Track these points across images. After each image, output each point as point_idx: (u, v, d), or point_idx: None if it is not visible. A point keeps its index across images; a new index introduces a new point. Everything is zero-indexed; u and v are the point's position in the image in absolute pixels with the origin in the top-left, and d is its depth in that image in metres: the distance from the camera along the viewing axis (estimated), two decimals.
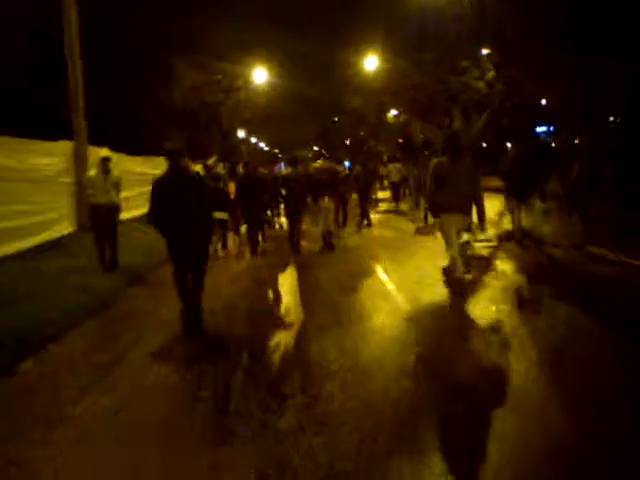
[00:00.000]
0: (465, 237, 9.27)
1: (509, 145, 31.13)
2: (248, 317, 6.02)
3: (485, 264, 8.02)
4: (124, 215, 12.42)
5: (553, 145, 24.41)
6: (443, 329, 5.25)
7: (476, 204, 6.16)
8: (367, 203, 14.00)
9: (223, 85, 22.97)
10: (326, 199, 9.40)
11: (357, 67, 29.39)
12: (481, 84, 21.68)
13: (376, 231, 12.86)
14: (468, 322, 5.39)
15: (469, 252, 8.60)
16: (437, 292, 6.53)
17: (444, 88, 22.53)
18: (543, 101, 24.67)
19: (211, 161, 12.81)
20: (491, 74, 21.13)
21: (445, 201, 6.04)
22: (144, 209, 14.77)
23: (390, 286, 7.01)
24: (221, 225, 9.56)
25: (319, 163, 10.09)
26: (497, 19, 15.90)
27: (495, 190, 15.57)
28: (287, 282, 7.80)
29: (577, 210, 9.84)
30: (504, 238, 9.60)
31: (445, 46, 21.05)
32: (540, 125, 30.38)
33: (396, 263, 8.50)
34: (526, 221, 9.47)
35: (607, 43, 11.93)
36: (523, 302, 5.92)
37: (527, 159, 9.36)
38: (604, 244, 8.29)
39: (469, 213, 6.27)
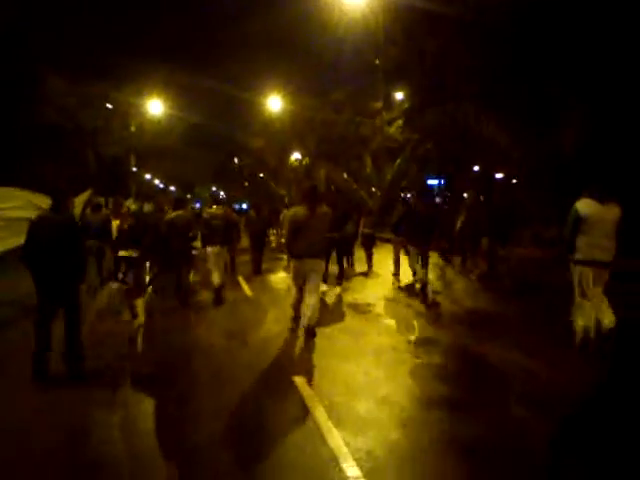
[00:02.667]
0: (324, 288, 8.94)
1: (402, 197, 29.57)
2: None
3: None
4: None
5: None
6: None
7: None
8: (260, 254, 12.25)
9: (105, 109, 19.85)
10: (218, 247, 8.72)
11: (260, 107, 27.86)
12: (392, 129, 20.51)
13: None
14: None
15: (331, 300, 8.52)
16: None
17: (354, 130, 21.16)
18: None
19: (83, 197, 10.72)
20: (400, 121, 19.99)
21: (298, 248, 6.26)
22: None
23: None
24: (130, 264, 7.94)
25: (214, 209, 9.14)
26: (420, 56, 14.76)
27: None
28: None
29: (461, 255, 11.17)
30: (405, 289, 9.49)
31: (358, 85, 19.74)
32: (432, 178, 29.29)
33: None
34: (422, 274, 8.97)
35: (561, 81, 11.07)
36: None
37: (425, 212, 9.21)
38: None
39: (321, 257, 6.48)
